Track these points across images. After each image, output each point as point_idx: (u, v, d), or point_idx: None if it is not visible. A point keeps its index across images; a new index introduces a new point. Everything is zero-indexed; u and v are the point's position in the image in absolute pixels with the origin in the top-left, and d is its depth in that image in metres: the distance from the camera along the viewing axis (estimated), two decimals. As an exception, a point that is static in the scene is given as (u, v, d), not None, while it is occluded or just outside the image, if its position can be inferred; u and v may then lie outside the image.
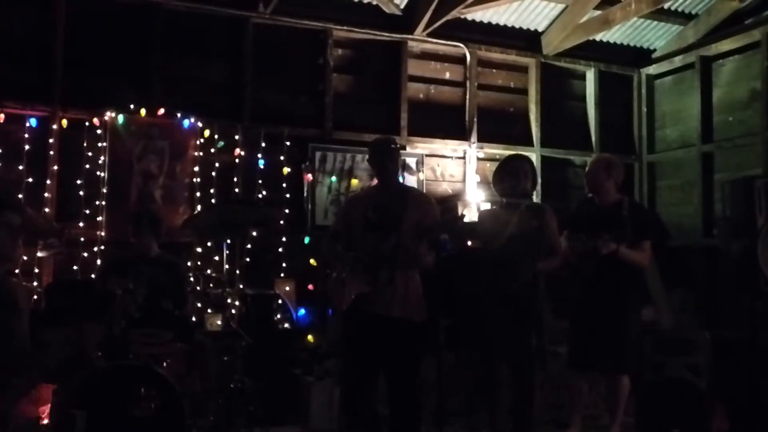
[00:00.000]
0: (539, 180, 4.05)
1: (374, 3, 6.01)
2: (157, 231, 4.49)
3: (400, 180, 4.33)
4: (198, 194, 5.32)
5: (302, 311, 5.48)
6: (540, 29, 6.62)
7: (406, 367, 3.62)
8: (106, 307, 3.69)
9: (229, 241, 4.32)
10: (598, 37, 6.70)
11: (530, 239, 3.78)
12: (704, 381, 4.46)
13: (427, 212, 3.65)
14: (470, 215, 6.02)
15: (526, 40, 6.63)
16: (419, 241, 3.54)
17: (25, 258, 4.68)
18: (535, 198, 5.08)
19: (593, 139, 6.83)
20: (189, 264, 5.19)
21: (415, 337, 3.60)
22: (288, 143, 5.64)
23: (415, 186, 5.87)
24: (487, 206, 5.55)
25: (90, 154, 5.06)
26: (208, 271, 5.19)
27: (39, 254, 4.72)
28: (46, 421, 3.86)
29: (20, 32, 5.04)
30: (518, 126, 6.65)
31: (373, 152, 3.88)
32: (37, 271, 4.80)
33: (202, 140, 5.38)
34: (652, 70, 6.96)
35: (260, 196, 5.50)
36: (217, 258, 5.11)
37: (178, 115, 5.29)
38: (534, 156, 6.50)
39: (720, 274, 6.07)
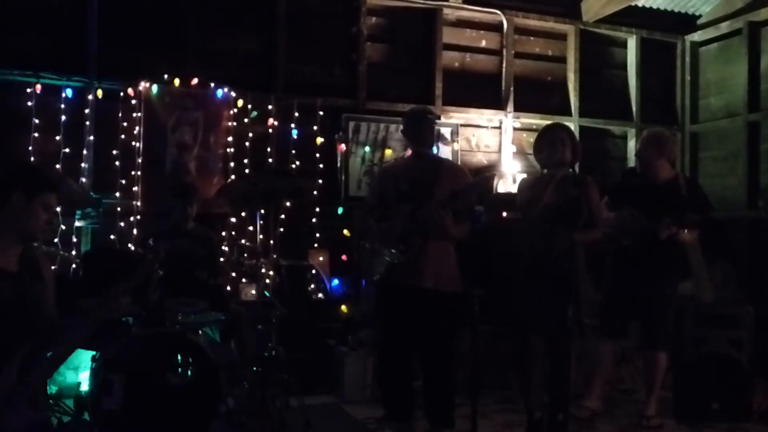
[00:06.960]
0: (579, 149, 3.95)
1: (409, -31, 5.90)
2: (192, 203, 4.51)
3: (435, 151, 4.26)
4: (231, 165, 5.32)
5: (336, 282, 5.49)
6: (580, -5, 6.43)
7: (439, 339, 3.60)
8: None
9: (263, 211, 4.32)
10: (640, 3, 6.47)
11: (566, 210, 3.68)
12: (746, 356, 4.36)
13: (460, 184, 3.59)
14: (505, 186, 5.93)
15: (565, 6, 6.43)
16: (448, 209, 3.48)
17: (63, 227, 4.78)
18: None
19: (633, 108, 6.65)
20: (224, 234, 5.22)
21: (447, 308, 3.57)
22: (321, 113, 5.59)
23: (450, 156, 5.79)
24: (523, 177, 5.44)
25: (125, 124, 5.08)
26: (243, 242, 5.20)
27: (77, 224, 4.80)
28: (84, 387, 3.96)
29: (56, 3, 5.06)
30: (556, 95, 6.49)
31: (408, 122, 3.83)
32: (75, 240, 4.87)
33: (235, 110, 5.36)
34: (697, 36, 6.72)
35: (293, 166, 5.48)
36: (251, 229, 5.14)
37: (212, 85, 5.28)
38: (572, 126, 6.35)
39: (764, 247, 5.90)
